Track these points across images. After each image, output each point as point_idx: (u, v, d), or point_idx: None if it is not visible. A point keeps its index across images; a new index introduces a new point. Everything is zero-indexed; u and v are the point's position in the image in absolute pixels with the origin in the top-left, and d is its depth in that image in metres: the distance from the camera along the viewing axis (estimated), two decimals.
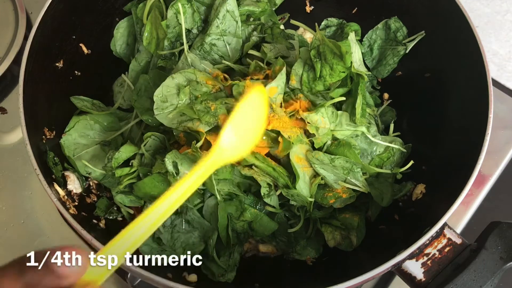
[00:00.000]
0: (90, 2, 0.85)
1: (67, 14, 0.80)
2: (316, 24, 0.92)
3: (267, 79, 0.76)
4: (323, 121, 0.72)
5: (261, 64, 0.78)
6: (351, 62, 0.71)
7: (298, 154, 0.73)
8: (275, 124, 0.71)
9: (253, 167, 0.73)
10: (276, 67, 0.74)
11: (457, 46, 0.77)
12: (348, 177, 0.74)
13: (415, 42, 0.85)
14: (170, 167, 0.70)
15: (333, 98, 0.75)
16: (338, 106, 0.78)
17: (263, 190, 0.74)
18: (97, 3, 0.87)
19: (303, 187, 0.73)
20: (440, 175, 0.72)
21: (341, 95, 0.76)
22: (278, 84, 0.72)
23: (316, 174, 0.75)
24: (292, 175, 0.74)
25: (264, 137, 0.73)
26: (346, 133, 0.76)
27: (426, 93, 0.83)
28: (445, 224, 0.62)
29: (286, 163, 0.74)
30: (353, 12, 0.96)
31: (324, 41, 0.72)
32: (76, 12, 0.82)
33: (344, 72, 0.73)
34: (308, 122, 0.72)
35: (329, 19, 0.97)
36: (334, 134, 0.75)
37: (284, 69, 0.73)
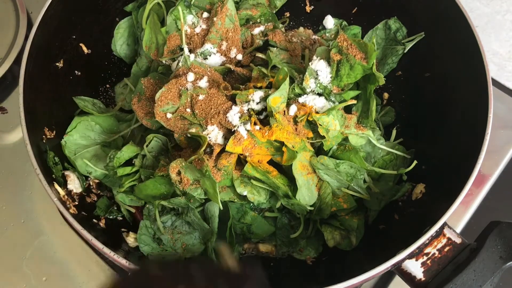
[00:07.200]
0: (90, 2, 0.86)
1: (67, 14, 0.80)
2: (339, 26, 0.92)
3: (270, 87, 0.75)
4: (334, 123, 0.71)
5: (265, 71, 0.78)
6: (373, 63, 0.71)
7: (301, 161, 0.72)
8: (279, 134, 0.70)
9: (252, 180, 0.72)
10: (279, 76, 0.73)
11: (457, 46, 0.77)
12: (351, 184, 0.74)
13: (414, 42, 0.85)
14: (173, 175, 0.69)
15: (344, 100, 0.74)
16: (345, 110, 0.77)
17: (256, 202, 0.73)
18: (97, 3, 0.87)
19: (305, 194, 0.72)
20: (440, 174, 0.72)
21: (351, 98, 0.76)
22: (281, 94, 0.71)
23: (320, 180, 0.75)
24: (294, 182, 0.72)
25: (267, 146, 0.72)
26: (356, 138, 0.75)
27: (426, 93, 0.83)
28: (444, 224, 0.62)
29: (288, 170, 0.73)
30: (353, 12, 0.96)
31: (347, 40, 0.72)
32: (76, 12, 0.82)
33: (361, 73, 0.72)
34: (320, 124, 0.71)
35: None
36: (348, 137, 0.74)
37: (288, 79, 0.72)
